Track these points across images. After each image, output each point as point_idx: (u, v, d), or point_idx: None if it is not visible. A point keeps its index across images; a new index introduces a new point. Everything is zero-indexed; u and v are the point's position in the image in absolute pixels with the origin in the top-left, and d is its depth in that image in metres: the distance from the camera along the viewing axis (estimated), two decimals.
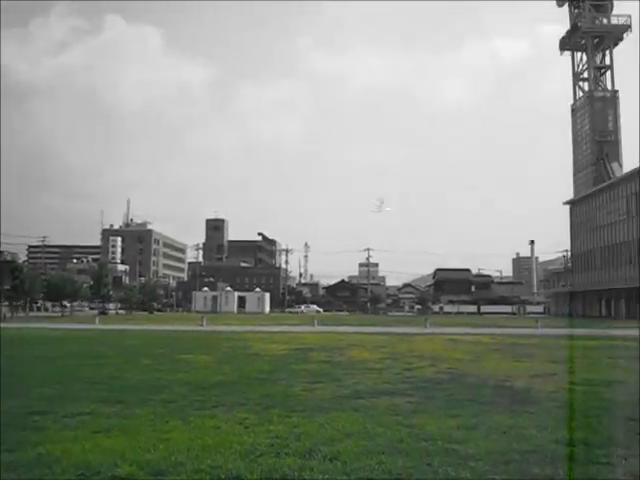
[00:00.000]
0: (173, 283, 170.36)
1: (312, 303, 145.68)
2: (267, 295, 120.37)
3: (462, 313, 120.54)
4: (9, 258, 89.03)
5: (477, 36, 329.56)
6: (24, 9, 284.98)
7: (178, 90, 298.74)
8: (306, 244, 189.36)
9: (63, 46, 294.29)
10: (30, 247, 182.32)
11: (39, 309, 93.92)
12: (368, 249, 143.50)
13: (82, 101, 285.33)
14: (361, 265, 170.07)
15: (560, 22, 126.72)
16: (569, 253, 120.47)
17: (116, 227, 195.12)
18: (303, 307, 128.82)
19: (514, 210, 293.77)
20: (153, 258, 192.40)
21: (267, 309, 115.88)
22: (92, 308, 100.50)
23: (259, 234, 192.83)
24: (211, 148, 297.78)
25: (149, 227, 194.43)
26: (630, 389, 13.79)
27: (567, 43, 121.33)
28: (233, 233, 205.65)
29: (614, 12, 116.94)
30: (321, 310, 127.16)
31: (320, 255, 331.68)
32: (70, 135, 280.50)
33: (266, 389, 13.50)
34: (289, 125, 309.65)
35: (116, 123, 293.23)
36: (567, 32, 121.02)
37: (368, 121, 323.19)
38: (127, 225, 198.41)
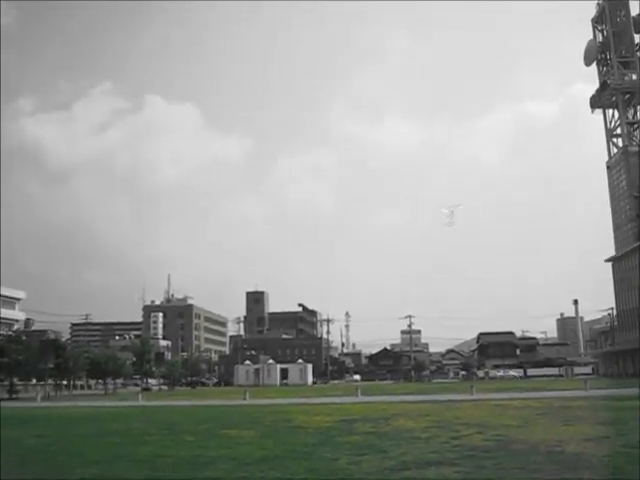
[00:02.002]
0: (215, 357, 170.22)
1: (355, 373, 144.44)
2: (309, 366, 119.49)
3: (508, 377, 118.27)
4: (53, 337, 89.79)
5: (507, 99, 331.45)
6: (67, 92, 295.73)
7: (214, 164, 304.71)
8: (347, 313, 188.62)
9: (104, 126, 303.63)
10: (73, 325, 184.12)
11: (82, 387, 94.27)
12: (409, 316, 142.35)
13: (121, 178, 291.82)
14: (403, 332, 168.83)
15: (589, 81, 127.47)
16: (614, 311, 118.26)
17: (157, 303, 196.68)
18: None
19: (555, 270, 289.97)
20: (195, 332, 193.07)
21: (310, 380, 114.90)
22: (135, 385, 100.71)
23: (299, 305, 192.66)
24: (247, 219, 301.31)
25: (190, 302, 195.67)
26: None
27: (598, 101, 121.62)
28: (273, 305, 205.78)
29: None
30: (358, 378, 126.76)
31: (361, 323, 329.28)
32: (110, 212, 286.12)
33: (311, 463, 13.30)
34: (324, 192, 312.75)
35: (154, 198, 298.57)
36: (597, 90, 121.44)
37: (403, 187, 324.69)
38: (168, 300, 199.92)
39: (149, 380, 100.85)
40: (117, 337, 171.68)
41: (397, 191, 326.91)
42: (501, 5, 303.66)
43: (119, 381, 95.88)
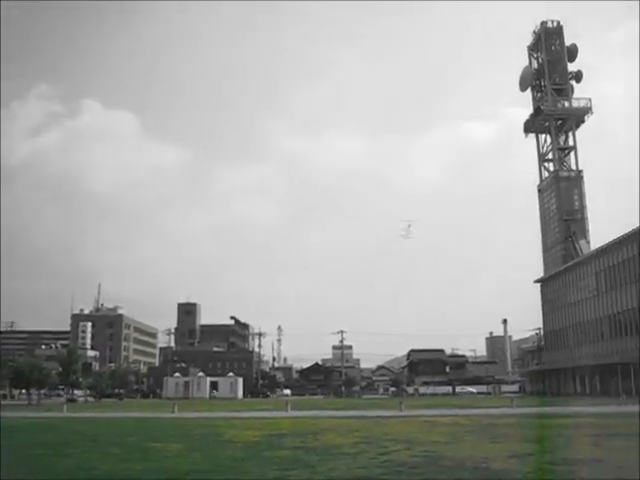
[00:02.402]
0: (144, 369, 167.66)
1: (286, 387, 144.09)
2: (240, 380, 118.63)
3: (437, 394, 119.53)
4: None
5: (449, 118, 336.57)
6: (2, 93, 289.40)
7: (152, 173, 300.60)
8: (279, 327, 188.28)
9: (39, 129, 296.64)
10: None
11: (5, 397, 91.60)
12: (341, 331, 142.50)
13: (55, 184, 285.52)
14: (335, 347, 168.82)
15: (525, 105, 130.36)
16: (542, 331, 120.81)
17: (86, 312, 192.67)
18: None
19: (486, 289, 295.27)
20: (124, 343, 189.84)
21: (240, 394, 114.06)
22: (58, 395, 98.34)
23: (232, 318, 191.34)
24: (184, 231, 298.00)
25: (120, 312, 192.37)
26: (608, 467, 13.63)
27: (531, 126, 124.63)
28: (205, 317, 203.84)
29: (575, 96, 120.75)
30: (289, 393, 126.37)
31: (293, 338, 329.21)
32: (41, 218, 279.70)
33: (238, 477, 13.14)
34: (263, 207, 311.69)
35: (89, 206, 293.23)
36: (531, 115, 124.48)
37: (340, 203, 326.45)
38: (97, 310, 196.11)
39: (75, 391, 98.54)
40: (43, 346, 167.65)
41: (339, 207, 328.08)
42: (444, 25, 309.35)
43: (44, 391, 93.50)
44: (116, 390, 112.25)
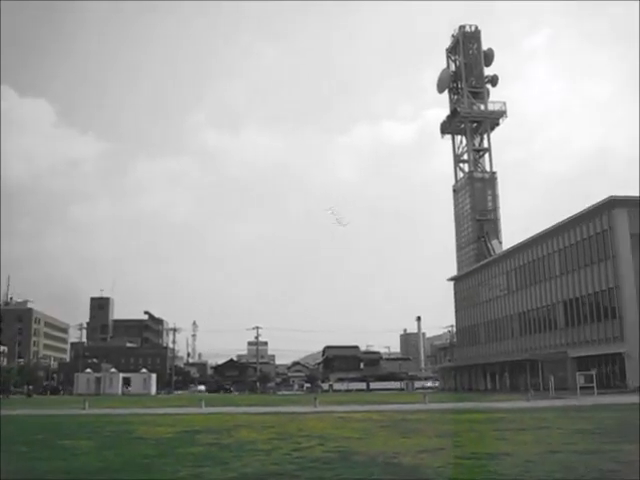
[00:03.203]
0: (54, 364, 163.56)
1: (200, 383, 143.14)
2: (153, 376, 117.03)
3: (351, 390, 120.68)
4: None
5: (366, 118, 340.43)
6: None
7: (66, 163, 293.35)
8: (194, 323, 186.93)
9: None
10: None
11: None
12: (257, 327, 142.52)
13: None
14: (250, 344, 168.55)
15: (443, 107, 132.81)
16: (454, 328, 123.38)
17: None
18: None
19: (401, 287, 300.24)
20: (33, 338, 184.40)
21: (153, 390, 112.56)
22: None
23: (146, 313, 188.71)
24: (98, 223, 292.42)
25: (30, 305, 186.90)
26: (516, 461, 14.00)
27: (448, 127, 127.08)
28: (119, 312, 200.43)
29: (490, 99, 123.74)
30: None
31: (208, 334, 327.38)
32: None
33: (150, 475, 12.96)
34: (179, 201, 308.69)
35: None
36: (447, 117, 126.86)
37: (257, 199, 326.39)
38: (6, 304, 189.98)
39: None
40: None
41: (256, 203, 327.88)
42: (365, 24, 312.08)
43: None
44: (25, 386, 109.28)
